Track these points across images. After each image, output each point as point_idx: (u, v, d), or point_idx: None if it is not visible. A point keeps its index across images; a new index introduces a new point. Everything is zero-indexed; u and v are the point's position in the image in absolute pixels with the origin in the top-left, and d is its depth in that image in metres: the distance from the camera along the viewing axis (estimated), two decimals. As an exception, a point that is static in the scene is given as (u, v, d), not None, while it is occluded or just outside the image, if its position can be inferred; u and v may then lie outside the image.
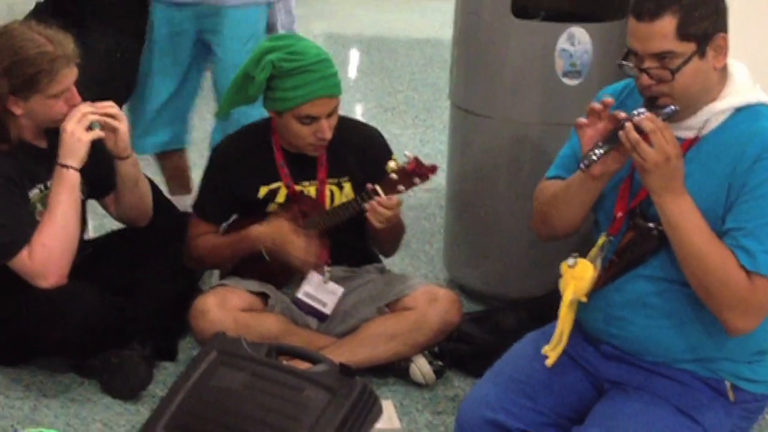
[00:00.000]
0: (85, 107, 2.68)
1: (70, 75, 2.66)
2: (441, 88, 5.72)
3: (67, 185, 2.66)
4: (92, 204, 3.00)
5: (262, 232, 2.81)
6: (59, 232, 2.64)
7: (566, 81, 3.02)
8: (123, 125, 2.74)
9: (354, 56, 6.96)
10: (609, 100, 2.09)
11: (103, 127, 2.71)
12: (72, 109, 2.66)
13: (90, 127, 2.68)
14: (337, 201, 2.85)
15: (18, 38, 2.63)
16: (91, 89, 2.92)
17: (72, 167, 2.66)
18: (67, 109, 2.67)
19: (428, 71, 6.33)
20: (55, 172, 2.67)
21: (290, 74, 2.68)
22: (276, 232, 2.79)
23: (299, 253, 2.79)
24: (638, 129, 1.98)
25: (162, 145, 3.62)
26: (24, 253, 2.61)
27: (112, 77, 3.33)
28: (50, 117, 2.68)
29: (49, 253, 2.62)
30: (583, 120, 2.09)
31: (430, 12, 7.71)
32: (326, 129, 2.73)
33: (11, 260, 2.62)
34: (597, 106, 2.08)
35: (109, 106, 2.72)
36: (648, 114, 1.99)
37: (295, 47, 2.71)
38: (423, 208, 4.11)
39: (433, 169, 2.68)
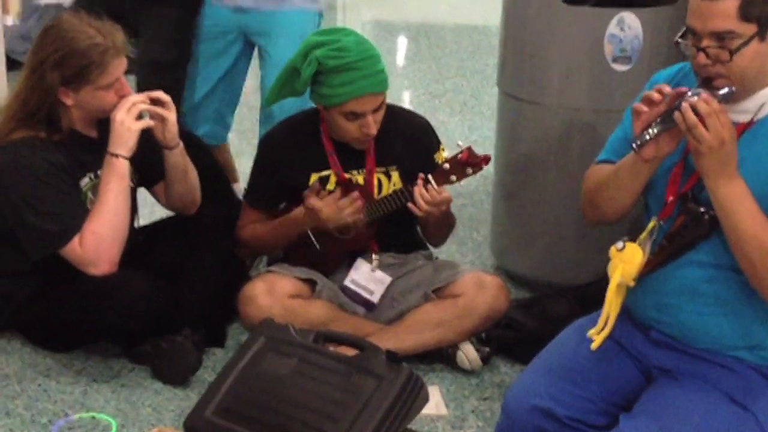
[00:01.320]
0: (135, 97, 2.71)
1: (120, 66, 2.68)
2: (489, 75, 5.70)
3: (117, 174, 2.69)
4: (142, 192, 3.03)
5: (299, 210, 2.80)
6: (109, 220, 2.67)
7: (616, 67, 2.99)
8: (172, 115, 2.76)
9: (402, 43, 6.95)
10: (668, 89, 2.05)
11: (153, 116, 2.74)
12: (122, 99, 2.69)
13: (140, 116, 2.71)
14: (385, 190, 2.85)
15: (69, 30, 2.65)
16: (173, 47, 2.99)
17: (122, 156, 2.68)
18: (117, 99, 2.69)
19: (476, 58, 6.30)
20: (105, 160, 2.69)
21: (336, 71, 2.67)
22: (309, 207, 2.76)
23: (330, 214, 2.73)
24: (694, 110, 1.95)
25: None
26: (75, 242, 2.64)
27: (181, 39, 3.37)
28: (101, 107, 2.71)
29: (99, 240, 2.65)
30: (643, 107, 2.05)
31: (479, -2, 7.67)
32: (371, 125, 2.72)
33: (63, 249, 2.65)
34: (656, 96, 2.04)
35: (159, 95, 2.75)
36: (704, 95, 1.96)
37: (341, 43, 2.69)
38: (470, 194, 4.09)
39: (486, 159, 2.66)
